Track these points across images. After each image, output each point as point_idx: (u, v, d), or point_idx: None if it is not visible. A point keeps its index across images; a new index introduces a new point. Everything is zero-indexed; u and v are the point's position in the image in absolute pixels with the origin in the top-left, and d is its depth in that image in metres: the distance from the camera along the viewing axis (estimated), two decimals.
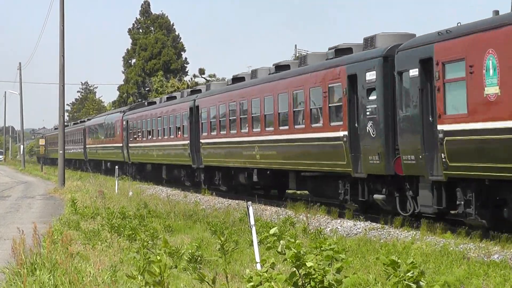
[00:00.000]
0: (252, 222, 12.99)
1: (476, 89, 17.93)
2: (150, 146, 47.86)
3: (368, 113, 22.67)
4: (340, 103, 24.24)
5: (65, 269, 12.58)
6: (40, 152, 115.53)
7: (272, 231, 8.28)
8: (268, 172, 31.59)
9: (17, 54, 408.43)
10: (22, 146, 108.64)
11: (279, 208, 28.20)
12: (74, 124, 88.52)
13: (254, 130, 31.28)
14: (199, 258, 14.90)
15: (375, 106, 22.29)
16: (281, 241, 8.12)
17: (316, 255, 7.88)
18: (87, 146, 72.81)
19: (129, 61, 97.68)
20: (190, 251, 15.17)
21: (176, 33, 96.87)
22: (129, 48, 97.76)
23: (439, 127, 19.25)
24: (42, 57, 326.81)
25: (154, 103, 51.07)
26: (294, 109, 27.59)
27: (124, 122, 55.59)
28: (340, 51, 25.46)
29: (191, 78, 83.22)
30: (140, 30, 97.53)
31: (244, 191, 34.83)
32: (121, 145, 55.96)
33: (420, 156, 20.00)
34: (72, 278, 11.80)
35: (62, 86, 45.47)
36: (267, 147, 29.91)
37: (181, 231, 21.98)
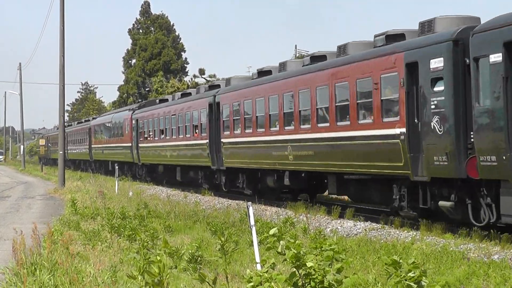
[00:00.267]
0: (252, 222, 12.98)
1: None
2: (163, 146, 44.88)
3: (433, 106, 19.56)
4: (396, 96, 21.21)
5: (65, 270, 12.58)
6: (40, 152, 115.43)
7: (272, 231, 8.28)
8: (302, 175, 28.73)
9: (17, 54, 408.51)
10: (22, 147, 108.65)
11: (279, 209, 28.19)
12: (78, 123, 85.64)
13: (286, 128, 28.23)
14: (199, 258, 14.90)
15: (442, 98, 19.32)
16: (281, 242, 8.11)
17: (316, 256, 7.88)
18: (92, 146, 69.85)
19: (129, 62, 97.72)
20: (190, 251, 15.17)
21: (176, 33, 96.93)
22: (129, 48, 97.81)
23: None
24: (42, 57, 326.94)
25: (166, 100, 48.38)
26: (337, 104, 24.49)
27: (133, 121, 52.59)
28: (391, 38, 22.64)
29: (191, 79, 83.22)
30: (140, 31, 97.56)
31: (271, 195, 31.78)
32: (130, 145, 53.08)
33: (504, 157, 17.07)
34: (72, 278, 11.80)
35: (62, 86, 45.47)
36: (302, 147, 26.93)
37: (181, 232, 21.98)
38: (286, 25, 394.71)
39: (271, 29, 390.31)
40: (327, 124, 25.11)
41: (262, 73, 32.11)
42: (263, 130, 30.30)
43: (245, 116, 32.15)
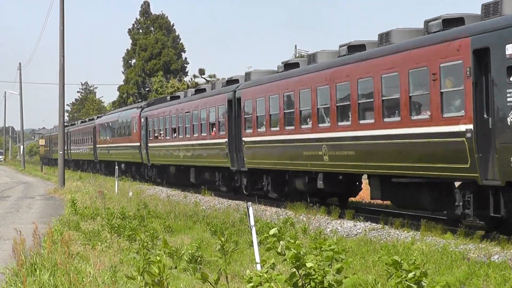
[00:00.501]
0: (252, 222, 12.97)
1: None
2: (175, 145, 41.98)
3: (510, 99, 17.03)
4: (460, 88, 18.59)
5: (65, 270, 12.58)
6: (40, 152, 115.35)
7: (272, 231, 8.28)
8: (340, 177, 25.84)
9: (17, 54, 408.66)
10: (22, 147, 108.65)
11: (279, 209, 28.18)
12: (82, 122, 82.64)
13: (320, 125, 25.55)
14: (199, 258, 14.89)
15: None
16: (281, 242, 8.11)
17: (316, 256, 7.88)
18: (97, 146, 66.65)
19: (129, 62, 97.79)
20: (190, 251, 15.16)
21: (176, 33, 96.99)
22: (129, 48, 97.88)
23: None
24: (42, 57, 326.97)
25: (178, 97, 45.27)
26: (384, 98, 21.87)
27: (142, 119, 49.62)
28: (448, 22, 20.19)
29: (191, 79, 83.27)
30: (140, 31, 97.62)
31: (299, 198, 28.73)
32: (138, 144, 50.14)
33: None
34: (72, 278, 11.79)
35: (62, 86, 45.47)
36: (340, 146, 24.26)
37: (181, 232, 21.98)
38: (286, 25, 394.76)
39: (271, 29, 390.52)
40: (372, 121, 22.48)
41: (289, 65, 29.41)
42: (293, 127, 27.55)
43: (271, 113, 29.45)
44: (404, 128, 20.89)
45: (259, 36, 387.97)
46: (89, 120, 78.17)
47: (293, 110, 27.58)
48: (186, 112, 40.22)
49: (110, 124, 61.07)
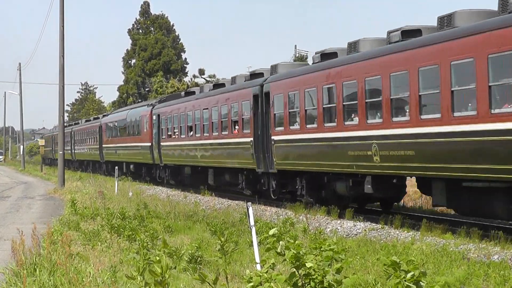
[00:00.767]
0: (252, 222, 12.98)
1: None
2: (192, 144, 38.85)
3: None
4: None
5: (64, 270, 12.58)
6: (40, 152, 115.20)
7: (271, 231, 8.28)
8: (394, 181, 22.79)
9: (17, 55, 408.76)
10: (22, 147, 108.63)
11: (279, 209, 28.18)
12: (86, 121, 79.18)
13: (370, 121, 22.64)
14: (199, 258, 14.90)
15: None
16: (280, 242, 8.11)
17: (316, 256, 7.88)
18: (103, 146, 63.17)
19: (129, 62, 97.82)
20: (190, 251, 15.17)
21: (176, 33, 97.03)
22: (129, 48, 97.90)
23: None
24: (42, 57, 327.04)
25: (193, 93, 42.25)
26: (453, 89, 18.86)
27: (153, 117, 46.59)
28: None
29: (191, 79, 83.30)
30: (140, 31, 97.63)
31: (337, 203, 26.09)
32: (149, 144, 47.12)
33: None
34: (72, 278, 11.80)
35: (62, 87, 45.48)
36: (395, 145, 21.37)
37: (181, 232, 21.99)
38: (286, 25, 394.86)
39: (271, 29, 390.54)
40: (437, 116, 19.56)
41: (326, 55, 26.53)
42: (334, 124, 24.63)
43: (306, 108, 26.48)
44: (481, 124, 17.98)
45: (259, 36, 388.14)
46: (94, 119, 75.02)
47: (334, 104, 24.57)
48: (204, 109, 37.12)
49: (118, 123, 57.93)
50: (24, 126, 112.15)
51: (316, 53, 27.33)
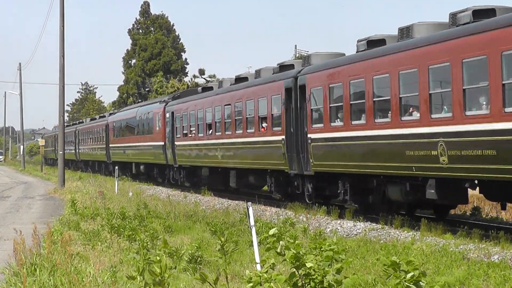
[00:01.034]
0: (252, 222, 12.98)
1: None
2: (211, 144, 35.78)
3: None
4: None
5: (65, 270, 12.59)
6: (40, 152, 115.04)
7: (271, 231, 8.28)
8: (466, 185, 19.48)
9: (17, 55, 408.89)
10: (22, 147, 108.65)
11: (279, 209, 28.16)
12: (91, 120, 76.58)
13: (434, 116, 19.70)
14: (199, 258, 14.90)
15: None
16: (280, 242, 8.12)
17: (316, 256, 7.88)
18: (110, 145, 59.91)
19: (129, 62, 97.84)
20: (190, 251, 15.17)
21: (176, 33, 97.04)
22: (129, 48, 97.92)
23: None
24: (42, 57, 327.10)
25: (211, 88, 39.02)
26: None
27: (167, 115, 43.40)
28: None
29: (191, 79, 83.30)
30: (140, 31, 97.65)
31: (388, 209, 23.80)
32: (162, 143, 43.98)
33: None
34: (72, 278, 11.80)
35: (62, 87, 45.49)
36: (470, 144, 18.32)
37: (181, 232, 21.99)
38: (286, 25, 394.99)
39: (271, 29, 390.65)
40: None
41: (372, 43, 23.59)
42: (387, 120, 21.75)
43: (352, 102, 23.58)
44: None
45: (259, 36, 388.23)
46: (100, 117, 71.64)
47: (388, 97, 21.66)
48: (226, 105, 33.93)
49: (127, 121, 54.73)
50: (24, 126, 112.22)
51: (359, 41, 24.40)
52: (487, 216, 25.48)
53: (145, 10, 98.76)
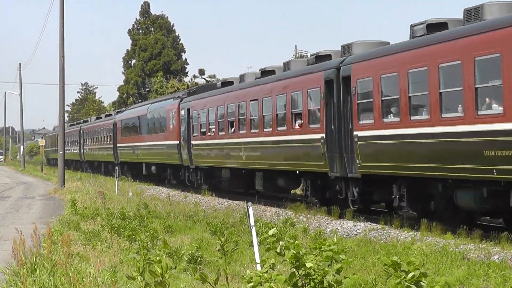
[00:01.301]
0: (252, 222, 12.98)
1: None
2: (234, 143, 32.95)
3: None
4: None
5: (65, 270, 12.59)
6: (40, 152, 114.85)
7: (271, 231, 8.29)
8: None
9: (17, 55, 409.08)
10: (22, 147, 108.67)
11: (279, 209, 28.14)
12: (97, 118, 73.51)
13: None
14: (199, 258, 14.90)
15: None
16: (280, 242, 8.12)
17: (316, 256, 7.89)
18: (118, 145, 56.91)
19: (129, 62, 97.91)
20: (190, 251, 15.18)
21: (176, 33, 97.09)
22: (129, 48, 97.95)
23: None
24: (42, 57, 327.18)
25: (231, 83, 35.99)
26: None
27: (182, 112, 40.38)
28: None
29: (191, 79, 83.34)
30: (140, 31, 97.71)
31: (452, 218, 20.62)
32: (176, 142, 41.03)
33: None
34: (72, 278, 11.80)
35: (62, 87, 45.50)
36: None
37: (181, 232, 22.00)
38: (286, 25, 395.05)
39: (271, 29, 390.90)
40: None
41: (434, 27, 20.63)
42: (459, 115, 18.72)
43: (411, 94, 20.50)
44: None
45: (259, 36, 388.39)
46: (106, 115, 68.67)
47: (459, 88, 18.62)
48: (251, 100, 30.88)
49: (136, 120, 51.70)
50: (24, 126, 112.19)
51: (413, 26, 21.50)
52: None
53: (145, 10, 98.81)
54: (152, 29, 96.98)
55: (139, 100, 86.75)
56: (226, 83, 36.65)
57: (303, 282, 7.77)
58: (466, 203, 19.53)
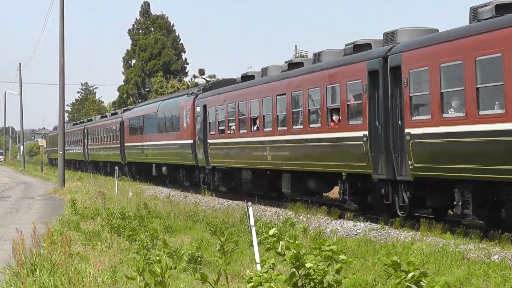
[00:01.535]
0: (252, 222, 12.98)
1: None
2: (257, 142, 30.19)
3: None
4: None
5: (64, 270, 12.59)
6: (40, 153, 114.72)
7: (271, 231, 8.29)
8: None
9: (17, 55, 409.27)
10: (22, 147, 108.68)
11: (279, 209, 28.11)
12: (102, 117, 71.07)
13: None
14: (199, 258, 14.90)
15: None
16: (280, 242, 8.12)
17: (316, 256, 7.89)
18: (126, 144, 54.42)
19: (129, 62, 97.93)
20: (190, 251, 15.18)
21: (176, 33, 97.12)
22: (129, 48, 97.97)
23: None
24: (42, 57, 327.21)
25: (252, 77, 33.17)
26: None
27: (197, 108, 37.79)
28: None
29: (191, 79, 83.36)
30: (140, 31, 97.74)
31: None
32: (190, 141, 38.39)
33: None
34: (72, 278, 11.80)
35: (62, 87, 45.50)
36: None
37: (181, 232, 22.00)
38: (286, 25, 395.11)
39: (271, 29, 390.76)
40: None
41: (502, 8, 18.10)
42: None
43: (480, 85, 17.73)
44: None
45: (259, 36, 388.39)
46: (112, 114, 65.83)
47: None
48: (278, 95, 28.25)
49: (146, 118, 49.31)
50: (24, 126, 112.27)
51: (475, 8, 19.03)
52: None
53: (145, 10, 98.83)
54: (152, 29, 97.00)
55: (139, 100, 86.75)
56: (246, 77, 33.78)
57: (303, 282, 7.77)
58: None
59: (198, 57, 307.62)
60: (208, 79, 78.57)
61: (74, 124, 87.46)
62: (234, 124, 32.88)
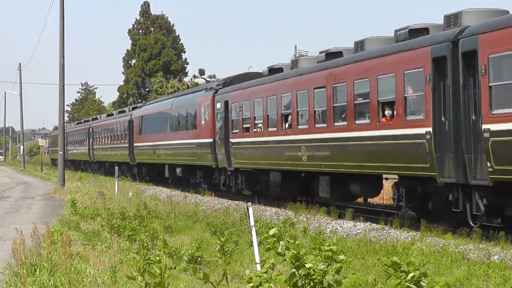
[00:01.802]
0: (252, 222, 12.98)
1: None
2: (289, 141, 27.27)
3: None
4: None
5: (64, 270, 12.60)
6: (40, 153, 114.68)
7: (271, 232, 8.29)
8: None
9: (17, 55, 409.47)
10: (22, 147, 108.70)
11: (279, 209, 28.11)
12: (108, 115, 67.58)
13: None
14: (199, 258, 14.90)
15: None
16: (281, 242, 8.13)
17: (316, 256, 7.89)
18: (135, 145, 51.15)
19: (129, 62, 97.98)
20: (190, 251, 15.18)
21: (176, 33, 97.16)
22: (129, 48, 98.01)
23: None
24: (42, 57, 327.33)
25: (280, 69, 29.80)
26: None
27: (217, 105, 34.55)
28: None
29: (191, 79, 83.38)
30: (140, 31, 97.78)
31: None
32: (209, 140, 35.25)
33: None
34: (72, 278, 11.81)
35: (62, 87, 45.50)
36: None
37: (181, 232, 21.99)
38: (286, 25, 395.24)
39: (271, 29, 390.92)
40: None
41: None
42: None
43: None
44: None
45: (259, 36, 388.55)
46: (120, 112, 62.41)
47: None
48: (316, 88, 25.28)
49: (158, 116, 46.12)
50: (24, 126, 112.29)
51: None
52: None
53: (145, 10, 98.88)
54: (152, 29, 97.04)
55: (139, 100, 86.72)
56: (274, 70, 30.30)
57: (303, 282, 7.77)
58: None
59: (198, 57, 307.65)
60: (208, 79, 78.59)
61: (78, 123, 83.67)
62: (261, 121, 29.82)
